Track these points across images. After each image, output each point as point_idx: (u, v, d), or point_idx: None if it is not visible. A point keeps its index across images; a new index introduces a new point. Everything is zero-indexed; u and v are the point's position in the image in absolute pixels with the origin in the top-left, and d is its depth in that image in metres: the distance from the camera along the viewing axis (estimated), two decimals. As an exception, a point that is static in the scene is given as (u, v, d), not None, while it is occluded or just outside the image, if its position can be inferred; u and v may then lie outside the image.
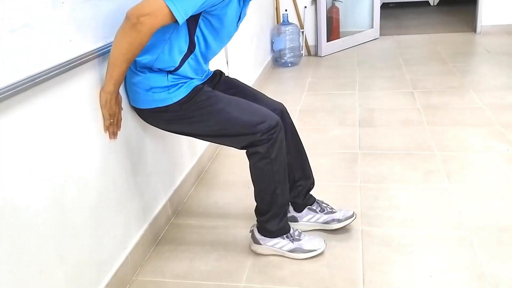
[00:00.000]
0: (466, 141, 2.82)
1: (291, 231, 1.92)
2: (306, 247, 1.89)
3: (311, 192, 2.09)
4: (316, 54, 5.10)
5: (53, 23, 1.37)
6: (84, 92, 1.55)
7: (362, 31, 5.47)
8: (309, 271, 1.83)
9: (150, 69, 1.68)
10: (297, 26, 4.81)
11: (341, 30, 5.41)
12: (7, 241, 1.23)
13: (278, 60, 4.81)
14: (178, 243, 2.05)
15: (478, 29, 5.49)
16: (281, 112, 1.94)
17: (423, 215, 2.13)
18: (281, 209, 1.85)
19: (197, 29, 1.64)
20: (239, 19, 1.74)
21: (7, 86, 1.20)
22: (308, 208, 2.05)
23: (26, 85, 1.26)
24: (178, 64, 1.67)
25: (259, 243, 1.93)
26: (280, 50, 4.76)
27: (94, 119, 1.61)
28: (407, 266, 1.82)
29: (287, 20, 4.75)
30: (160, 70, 1.68)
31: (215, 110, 1.72)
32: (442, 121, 3.13)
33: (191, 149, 2.51)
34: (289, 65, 4.79)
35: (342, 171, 2.58)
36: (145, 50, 1.64)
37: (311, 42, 5.12)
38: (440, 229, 2.02)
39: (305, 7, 4.98)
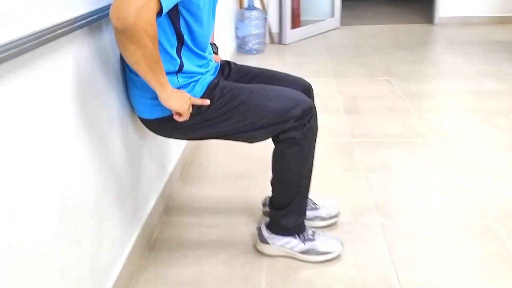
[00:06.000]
0: (458, 128, 2.71)
1: (306, 230, 1.69)
2: (320, 249, 1.67)
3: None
4: (279, 42, 4.89)
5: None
6: (68, 72, 1.24)
7: (323, 20, 5.33)
8: (337, 272, 1.61)
9: None
10: (262, 11, 4.59)
11: (302, 19, 5.24)
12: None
13: (242, 47, 4.56)
14: (177, 244, 1.77)
15: (436, 20, 5.50)
16: (308, 89, 1.72)
17: (440, 204, 1.97)
18: (301, 205, 1.62)
19: (180, 19, 1.38)
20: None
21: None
22: None
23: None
24: (178, 59, 1.42)
25: (266, 242, 1.69)
26: (244, 37, 4.51)
27: (78, 110, 1.29)
28: (441, 259, 1.65)
29: (252, 4, 4.51)
30: (167, 73, 1.41)
31: (238, 104, 1.47)
32: (428, 108, 3.02)
33: (177, 138, 2.22)
34: (254, 52, 4.55)
35: (341, 159, 2.39)
36: None
37: (274, 30, 4.91)
38: (462, 219, 1.87)
39: (269, -8, 4.76)
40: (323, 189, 2.10)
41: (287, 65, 4.13)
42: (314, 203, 1.86)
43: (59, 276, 1.14)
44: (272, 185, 1.65)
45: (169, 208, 2.00)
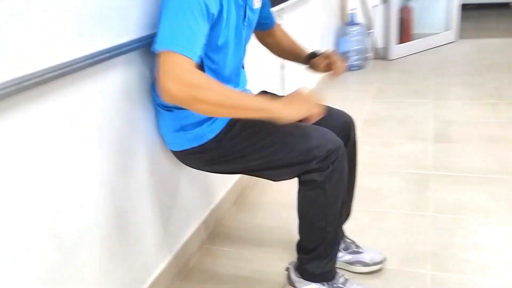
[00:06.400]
0: None
1: (337, 278, 1.55)
2: None
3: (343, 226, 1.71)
4: (384, 58, 4.65)
5: (52, 12, 1.08)
6: (96, 99, 1.27)
7: (437, 33, 4.96)
8: (364, 328, 1.46)
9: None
10: (364, 26, 4.40)
11: (413, 32, 4.93)
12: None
13: (342, 63, 4.41)
14: (209, 277, 1.73)
15: None
16: (348, 125, 1.59)
17: (514, 260, 1.70)
18: (329, 250, 1.49)
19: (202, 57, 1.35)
20: (245, 17, 1.42)
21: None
22: None
23: (9, 89, 0.97)
24: None
25: (294, 286, 1.57)
26: (345, 52, 4.36)
27: (100, 137, 1.32)
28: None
29: (355, 20, 4.35)
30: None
31: (257, 141, 1.39)
32: (534, 139, 2.64)
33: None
34: (355, 68, 4.38)
35: (411, 195, 2.18)
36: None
37: (379, 44, 4.68)
38: (537, 282, 1.59)
39: (375, 6, 4.55)
40: (378, 229, 1.93)
41: (384, 83, 3.91)
42: (357, 246, 1.71)
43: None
44: (298, 228, 1.54)
45: (214, 235, 1.98)
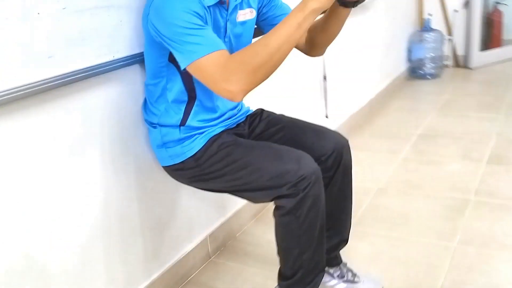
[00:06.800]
0: None
1: None
2: None
3: (339, 252, 1.65)
4: (465, 66, 4.33)
5: (25, 36, 1.17)
6: (76, 115, 1.34)
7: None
8: None
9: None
10: (440, 32, 4.13)
11: (503, 38, 4.53)
12: None
13: (415, 71, 4.18)
14: (205, 291, 1.75)
15: None
16: (339, 149, 1.51)
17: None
18: (309, 279, 1.42)
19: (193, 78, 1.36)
20: (225, 33, 1.40)
21: None
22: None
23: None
24: (182, 114, 1.42)
25: None
26: (419, 60, 4.13)
27: (86, 147, 1.39)
28: None
29: (430, 26, 4.10)
30: (168, 126, 1.44)
31: (231, 162, 1.38)
32: None
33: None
34: (428, 77, 4.13)
35: (440, 222, 2.01)
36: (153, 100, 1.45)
37: (459, 52, 4.37)
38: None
39: (456, 10, 4.25)
40: (392, 257, 1.82)
41: (456, 94, 3.64)
42: (354, 275, 1.62)
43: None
44: (277, 252, 1.50)
45: (225, 249, 1.98)
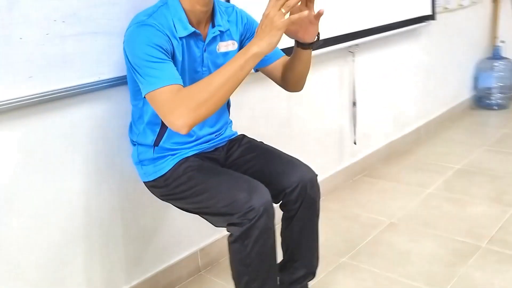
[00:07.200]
0: None
1: None
2: None
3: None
4: (541, 98, 4.01)
5: (6, 58, 1.33)
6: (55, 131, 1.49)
7: None
8: None
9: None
10: (511, 61, 3.87)
11: None
12: None
13: (482, 101, 3.95)
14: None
15: None
16: (304, 183, 1.52)
17: None
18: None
19: None
20: (203, 62, 1.46)
21: None
22: None
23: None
24: (156, 136, 1.51)
25: None
26: (486, 89, 3.91)
27: (69, 160, 1.53)
28: None
29: (500, 53, 3.86)
30: (143, 144, 1.55)
31: (191, 187, 1.46)
32: None
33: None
34: (495, 107, 3.89)
35: (438, 268, 1.92)
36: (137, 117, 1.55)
37: (536, 82, 4.05)
38: None
39: (534, 37, 3.96)
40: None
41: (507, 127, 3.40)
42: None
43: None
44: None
45: (218, 264, 2.04)
